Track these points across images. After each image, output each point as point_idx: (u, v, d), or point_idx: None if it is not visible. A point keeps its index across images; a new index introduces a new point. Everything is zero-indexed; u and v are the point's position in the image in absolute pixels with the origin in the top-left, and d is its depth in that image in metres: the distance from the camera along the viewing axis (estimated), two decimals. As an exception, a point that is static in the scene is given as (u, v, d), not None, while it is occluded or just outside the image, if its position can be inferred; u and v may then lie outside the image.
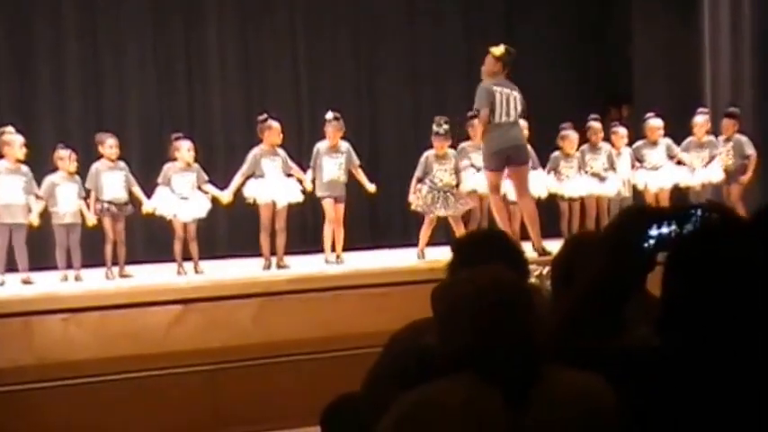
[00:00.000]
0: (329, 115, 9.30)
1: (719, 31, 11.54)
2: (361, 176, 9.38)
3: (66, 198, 8.62)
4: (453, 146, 9.51)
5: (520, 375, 1.96)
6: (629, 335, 2.11)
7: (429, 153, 9.38)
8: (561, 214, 10.00)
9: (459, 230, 9.32)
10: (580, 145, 10.13)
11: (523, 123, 9.28)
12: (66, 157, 8.65)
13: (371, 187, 9.38)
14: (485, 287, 2.05)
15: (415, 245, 9.58)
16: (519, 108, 8.60)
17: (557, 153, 10.04)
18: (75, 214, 8.67)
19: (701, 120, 10.24)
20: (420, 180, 9.33)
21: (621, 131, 10.36)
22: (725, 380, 1.88)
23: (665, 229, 2.09)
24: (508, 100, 8.55)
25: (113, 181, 8.74)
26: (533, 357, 1.99)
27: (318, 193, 9.19)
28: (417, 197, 9.30)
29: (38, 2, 10.64)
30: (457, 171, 9.40)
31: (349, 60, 11.91)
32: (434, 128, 9.37)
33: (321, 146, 9.28)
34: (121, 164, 8.87)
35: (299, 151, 9.83)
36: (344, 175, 9.26)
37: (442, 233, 9.99)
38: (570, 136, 10.03)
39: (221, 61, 11.38)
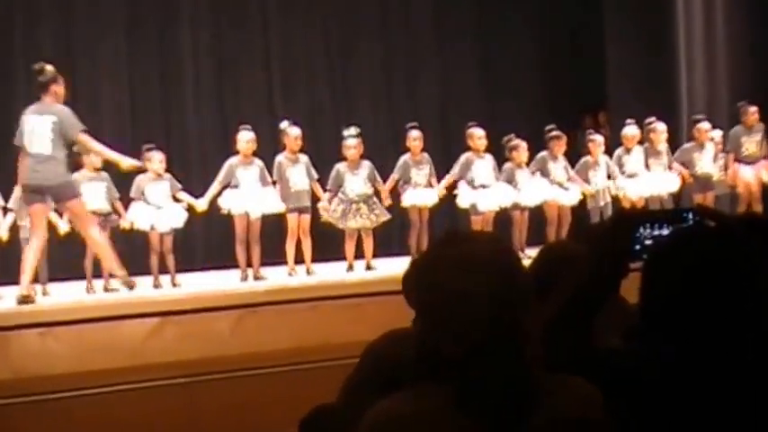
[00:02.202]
0: (284, 124, 9.29)
1: (693, 36, 11.64)
2: (318, 190, 9.36)
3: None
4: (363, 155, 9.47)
5: (510, 387, 1.79)
6: (603, 340, 2.11)
7: (340, 165, 9.33)
8: (514, 224, 9.97)
9: (368, 243, 9.32)
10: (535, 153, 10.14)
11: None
12: None
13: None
14: (483, 262, 1.79)
15: (393, 254, 9.61)
16: (53, 137, 7.38)
17: (509, 164, 9.98)
18: None
19: (632, 131, 10.25)
20: (333, 193, 9.30)
21: (599, 139, 10.37)
22: (706, 385, 1.89)
23: (663, 231, 2.09)
24: (40, 128, 7.38)
25: (95, 191, 8.68)
26: (529, 360, 1.81)
27: (285, 205, 9.17)
28: (327, 210, 9.26)
29: (15, 17, 10.59)
30: (373, 180, 9.36)
31: (323, 68, 11.92)
32: (345, 134, 9.33)
33: (282, 158, 9.24)
34: (104, 174, 8.82)
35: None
36: (308, 185, 9.26)
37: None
38: (520, 145, 10.00)
39: (195, 70, 11.37)
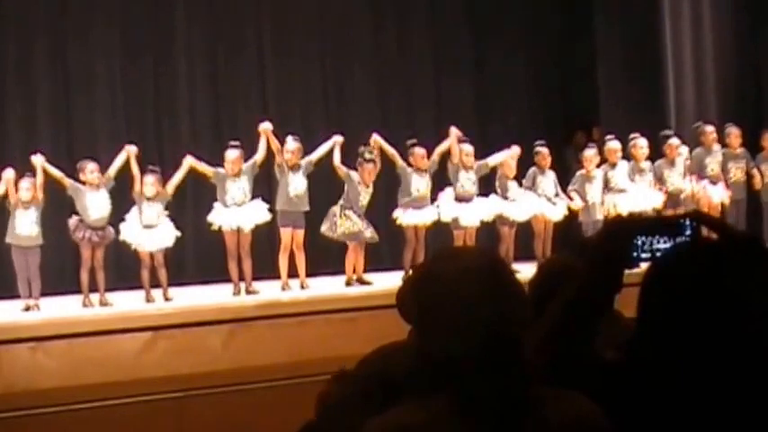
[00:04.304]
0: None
1: (682, 51, 11.67)
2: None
3: (22, 224, 8.54)
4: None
5: (508, 397, 1.80)
6: (599, 352, 2.09)
7: (355, 175, 9.34)
8: (501, 238, 9.94)
9: (360, 258, 9.33)
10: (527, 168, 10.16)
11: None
12: (23, 188, 8.60)
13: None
14: (479, 273, 1.82)
15: (384, 269, 9.58)
16: None
17: (501, 177, 9.96)
18: (33, 238, 8.57)
19: (614, 146, 10.27)
20: (345, 207, 9.31)
21: (591, 153, 10.34)
22: (705, 397, 1.87)
23: (661, 245, 2.06)
24: None
25: (97, 201, 8.69)
26: (527, 375, 1.83)
27: (280, 212, 9.19)
28: (342, 224, 9.24)
29: (9, 44, 10.58)
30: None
31: (317, 88, 11.91)
32: (364, 155, 9.35)
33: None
34: (103, 178, 8.82)
35: (269, 175, 9.75)
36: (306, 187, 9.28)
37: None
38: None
39: (190, 89, 11.34)
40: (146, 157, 10.47)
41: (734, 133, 10.49)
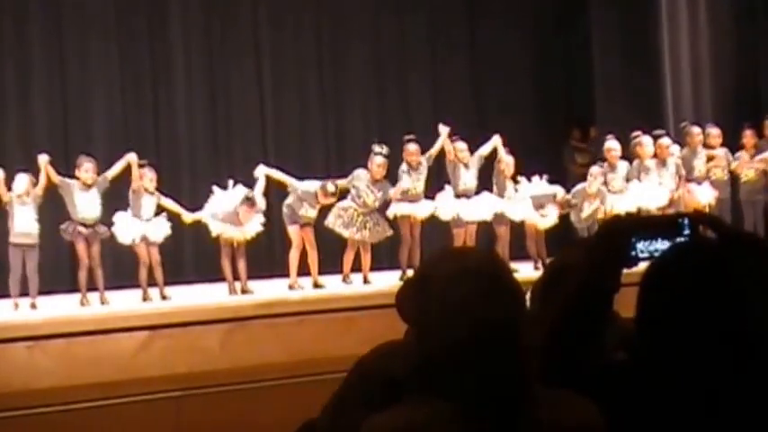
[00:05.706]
0: None
1: (679, 50, 11.69)
2: None
3: (20, 220, 8.50)
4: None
5: (509, 397, 1.80)
6: (603, 354, 2.07)
7: (362, 173, 9.30)
8: (498, 238, 9.91)
9: (367, 257, 9.27)
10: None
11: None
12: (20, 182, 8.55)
13: None
14: (477, 274, 1.83)
15: (384, 268, 9.55)
16: None
17: (500, 176, 9.91)
18: (32, 236, 8.52)
19: (613, 145, 10.25)
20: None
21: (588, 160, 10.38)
22: (706, 399, 1.86)
23: (659, 245, 2.05)
24: None
25: (88, 199, 8.64)
26: (526, 375, 1.83)
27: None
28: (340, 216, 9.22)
29: (4, 20, 10.57)
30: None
31: (314, 69, 11.91)
32: (377, 151, 9.28)
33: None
34: (99, 178, 8.76)
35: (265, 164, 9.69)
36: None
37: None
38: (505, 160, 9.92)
39: (186, 76, 11.34)
40: (142, 136, 10.51)
41: (713, 134, 10.52)
